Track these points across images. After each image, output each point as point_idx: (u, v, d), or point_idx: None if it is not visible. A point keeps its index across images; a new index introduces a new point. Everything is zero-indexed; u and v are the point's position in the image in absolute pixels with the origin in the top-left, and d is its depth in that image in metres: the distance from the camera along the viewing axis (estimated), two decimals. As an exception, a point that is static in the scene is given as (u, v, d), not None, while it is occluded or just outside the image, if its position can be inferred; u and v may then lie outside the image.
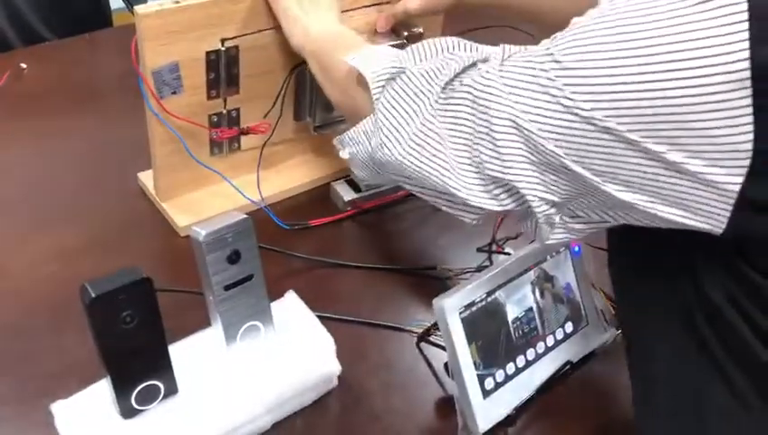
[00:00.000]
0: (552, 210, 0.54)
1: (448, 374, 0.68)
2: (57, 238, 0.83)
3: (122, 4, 1.35)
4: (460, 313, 0.65)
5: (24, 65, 1.11)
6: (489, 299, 0.67)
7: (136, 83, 0.79)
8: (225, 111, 0.85)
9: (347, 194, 0.91)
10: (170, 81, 0.78)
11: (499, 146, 0.53)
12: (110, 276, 0.55)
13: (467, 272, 0.82)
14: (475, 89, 0.55)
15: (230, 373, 0.64)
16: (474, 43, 0.62)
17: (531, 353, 0.70)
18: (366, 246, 0.87)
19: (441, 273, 0.83)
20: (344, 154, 0.68)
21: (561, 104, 0.48)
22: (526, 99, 0.50)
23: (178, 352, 0.63)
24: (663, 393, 0.56)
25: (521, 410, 0.68)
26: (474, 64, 0.58)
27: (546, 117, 0.49)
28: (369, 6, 0.88)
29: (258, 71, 0.84)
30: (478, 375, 0.66)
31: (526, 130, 0.51)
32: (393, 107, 0.61)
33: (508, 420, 0.67)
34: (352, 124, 0.67)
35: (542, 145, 0.50)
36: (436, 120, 0.58)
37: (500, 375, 0.67)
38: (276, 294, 0.70)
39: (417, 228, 0.90)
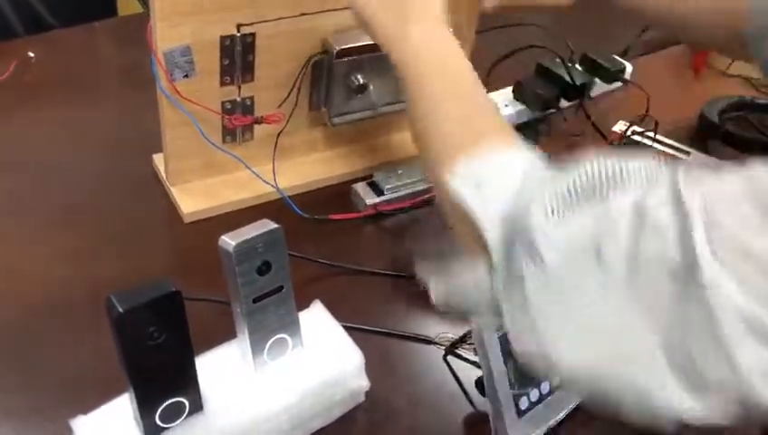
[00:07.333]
0: None
1: (479, 391, 0.65)
2: (71, 236, 0.80)
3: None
4: (497, 330, 0.62)
5: (31, 54, 1.07)
6: (525, 315, 0.65)
7: (146, 74, 0.77)
8: (239, 99, 0.83)
9: (369, 197, 0.88)
10: (182, 63, 0.76)
11: (732, 353, 0.38)
12: (137, 288, 0.52)
13: (494, 282, 0.80)
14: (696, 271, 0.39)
15: (256, 388, 0.61)
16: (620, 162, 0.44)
17: (565, 371, 0.67)
18: (388, 252, 0.85)
19: (467, 282, 0.80)
20: (439, 301, 0.56)
21: None
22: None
23: (203, 365, 0.60)
24: None
25: (555, 429, 0.66)
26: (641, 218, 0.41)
27: None
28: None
29: (275, 59, 0.82)
30: (513, 395, 0.63)
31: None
32: (545, 287, 0.44)
33: (543, 440, 0.65)
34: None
35: None
36: (624, 307, 0.41)
37: (534, 395, 0.65)
38: (299, 301, 0.67)
39: (442, 234, 0.88)
